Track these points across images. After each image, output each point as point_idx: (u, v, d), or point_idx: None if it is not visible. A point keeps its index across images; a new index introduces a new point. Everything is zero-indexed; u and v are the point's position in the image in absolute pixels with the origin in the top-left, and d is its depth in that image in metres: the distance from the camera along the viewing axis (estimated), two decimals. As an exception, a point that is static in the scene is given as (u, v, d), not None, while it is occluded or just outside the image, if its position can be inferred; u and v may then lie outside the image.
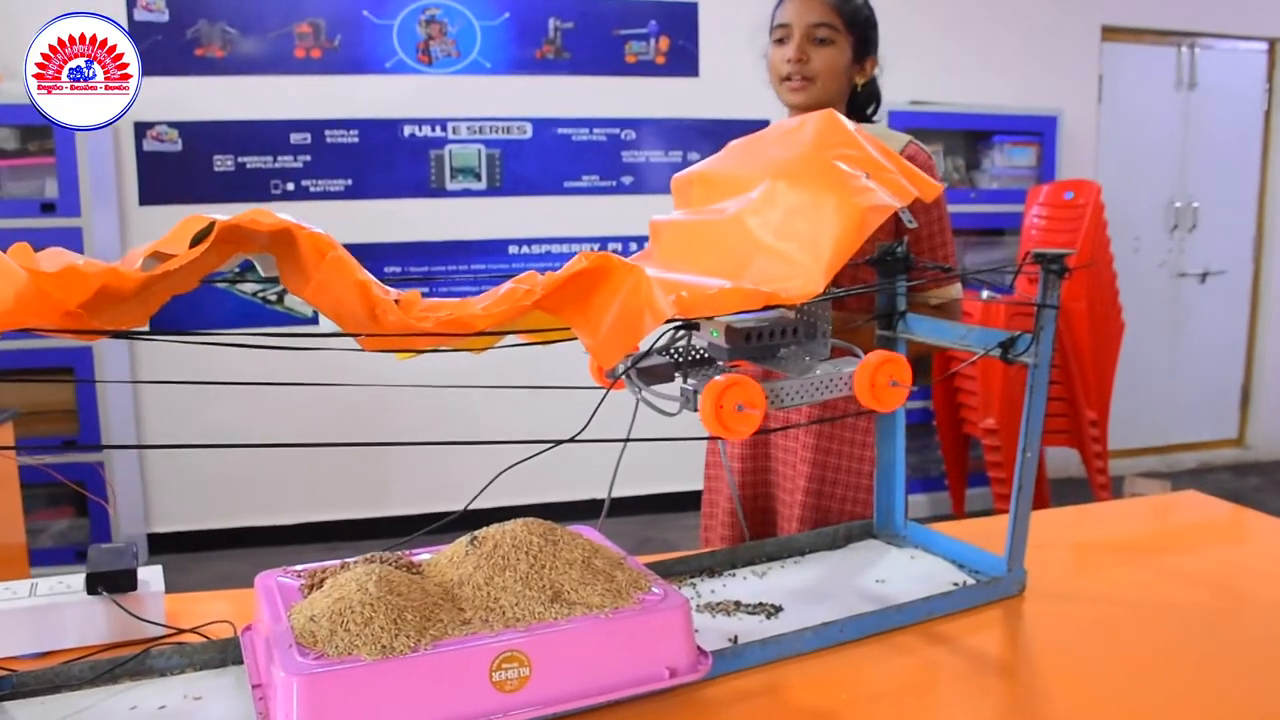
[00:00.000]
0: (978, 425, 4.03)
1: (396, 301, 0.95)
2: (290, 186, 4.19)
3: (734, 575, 1.40)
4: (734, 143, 1.33)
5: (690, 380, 1.14)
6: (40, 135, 3.79)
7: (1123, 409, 4.34)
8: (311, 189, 4.21)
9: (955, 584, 1.37)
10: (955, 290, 1.73)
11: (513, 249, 4.41)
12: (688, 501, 3.68)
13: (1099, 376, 4.10)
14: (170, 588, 1.27)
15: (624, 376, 1.17)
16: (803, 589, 1.35)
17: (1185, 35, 5.22)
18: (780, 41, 1.76)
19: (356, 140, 4.22)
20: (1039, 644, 1.23)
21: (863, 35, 1.77)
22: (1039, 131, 4.59)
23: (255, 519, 4.28)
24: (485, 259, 4.38)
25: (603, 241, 4.44)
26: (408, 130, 4.26)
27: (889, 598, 1.32)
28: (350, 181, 4.23)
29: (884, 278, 1.52)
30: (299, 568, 1.16)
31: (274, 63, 4.12)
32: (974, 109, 4.54)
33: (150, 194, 4.09)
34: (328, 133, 4.19)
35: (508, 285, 0.99)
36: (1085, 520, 1.77)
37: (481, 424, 4.30)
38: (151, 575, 1.26)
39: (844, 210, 1.06)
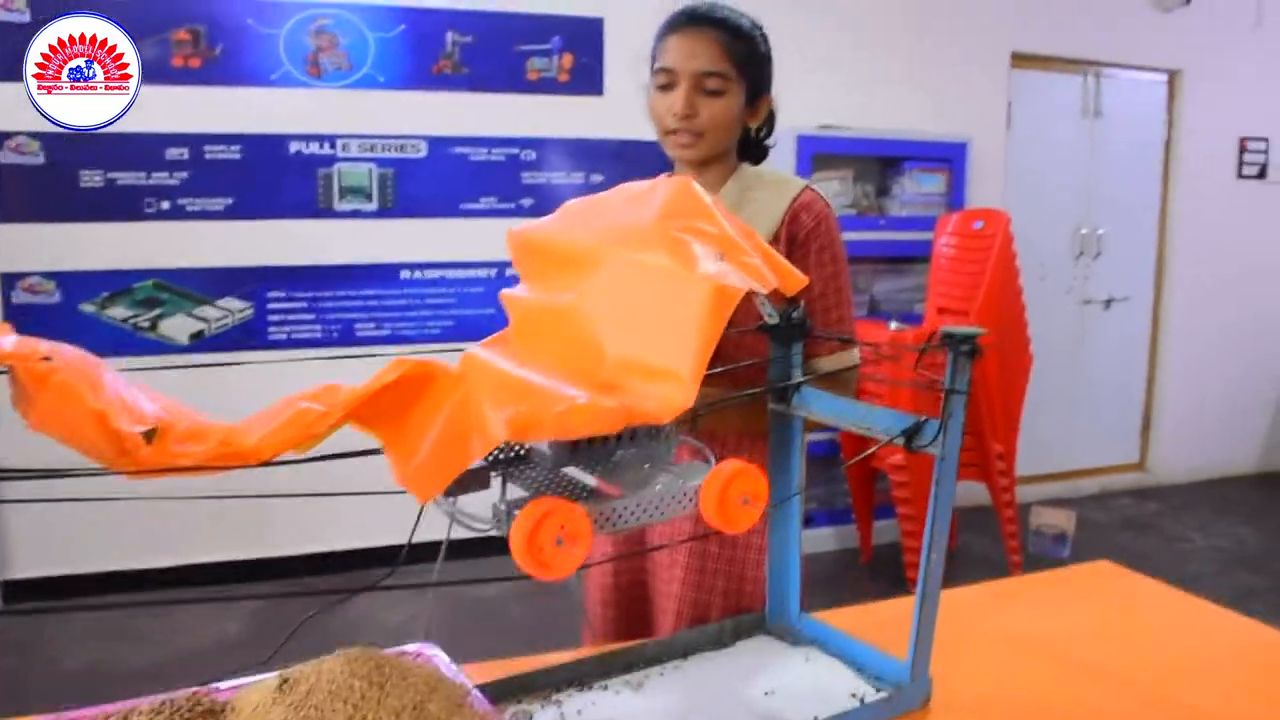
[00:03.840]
0: (885, 461, 3.93)
1: (152, 431, 0.75)
2: (165, 205, 3.92)
3: (606, 688, 1.24)
4: (573, 203, 1.16)
5: (508, 494, 0.97)
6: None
7: (1027, 434, 4.29)
8: (189, 208, 3.94)
9: (854, 695, 1.22)
10: (851, 356, 1.58)
11: (405, 274, 4.20)
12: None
13: (1007, 410, 4.03)
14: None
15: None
16: (683, 709, 1.19)
17: (1091, 64, 5.23)
18: (664, 88, 1.60)
19: (239, 156, 3.97)
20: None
21: (756, 77, 1.62)
22: (948, 158, 4.53)
23: (124, 562, 4.00)
24: (376, 284, 4.17)
25: (500, 266, 4.26)
26: (294, 147, 4.02)
27: (779, 716, 1.17)
28: (231, 200, 3.98)
29: (776, 345, 1.38)
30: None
31: (149, 71, 3.83)
32: (884, 134, 4.46)
33: (8, 211, 3.79)
34: (207, 148, 3.94)
35: (301, 404, 0.81)
36: (994, 602, 1.65)
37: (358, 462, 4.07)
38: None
39: (699, 291, 0.91)
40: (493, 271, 4.28)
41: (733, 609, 1.63)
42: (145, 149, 3.88)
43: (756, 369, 1.59)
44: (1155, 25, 5.27)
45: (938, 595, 1.20)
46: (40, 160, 3.81)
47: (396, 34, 4.06)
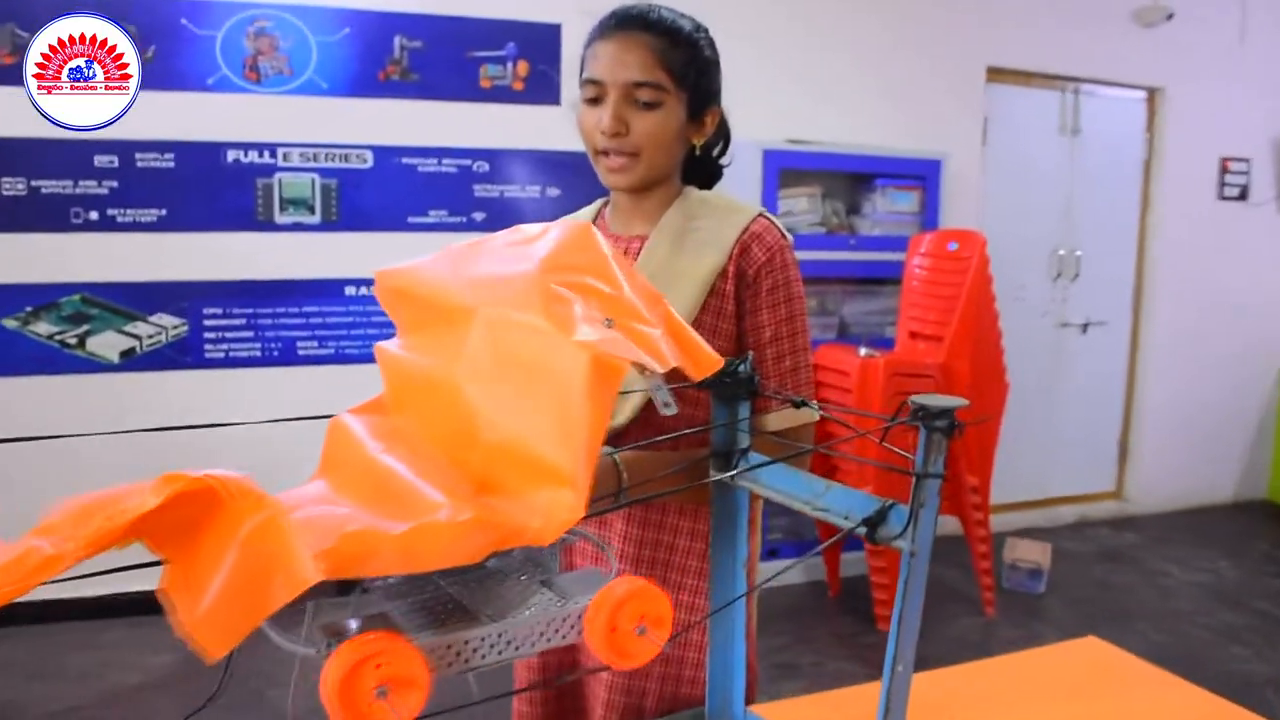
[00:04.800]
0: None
1: None
2: (94, 215, 3.69)
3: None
4: (455, 246, 0.95)
5: (343, 624, 0.75)
6: None
7: (1001, 461, 4.10)
8: (118, 219, 3.71)
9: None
10: (806, 414, 1.37)
11: (350, 290, 3.97)
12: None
13: (981, 442, 3.85)
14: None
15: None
16: None
17: (1069, 80, 5.07)
18: (592, 101, 1.39)
19: (172, 165, 3.73)
20: None
21: (699, 86, 1.41)
22: (922, 175, 4.35)
23: (42, 592, 3.73)
24: (319, 300, 3.94)
25: (453, 283, 4.04)
26: (231, 155, 3.79)
27: None
28: (164, 211, 3.74)
29: (718, 405, 1.17)
30: None
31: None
32: (855, 149, 4.27)
33: (-75, 220, 3.56)
34: (138, 155, 3.70)
35: (31, 541, 0.60)
36: (970, 691, 1.44)
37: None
38: None
39: (574, 361, 0.71)
40: (444, 289, 4.05)
41: (669, 700, 1.42)
42: (71, 156, 3.64)
43: (699, 421, 1.39)
44: (1136, 40, 5.12)
45: (904, 710, 0.99)
46: (-42, 166, 3.57)
47: (341, 37, 3.84)
